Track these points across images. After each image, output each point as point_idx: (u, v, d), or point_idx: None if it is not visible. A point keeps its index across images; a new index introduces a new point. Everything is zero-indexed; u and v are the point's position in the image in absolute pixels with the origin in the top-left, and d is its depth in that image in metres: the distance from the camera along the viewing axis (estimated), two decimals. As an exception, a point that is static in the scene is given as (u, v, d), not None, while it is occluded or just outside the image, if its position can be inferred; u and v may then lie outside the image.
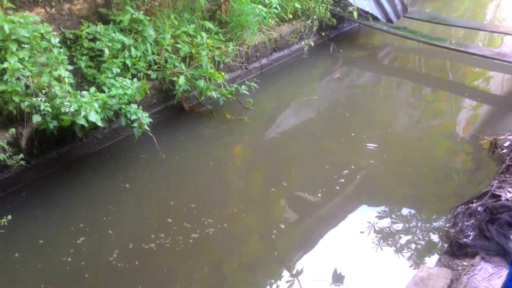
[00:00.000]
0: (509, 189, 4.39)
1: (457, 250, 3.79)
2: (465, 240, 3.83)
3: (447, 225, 4.37)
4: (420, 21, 9.58)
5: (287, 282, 3.81)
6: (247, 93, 6.23)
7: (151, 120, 5.09)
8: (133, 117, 4.89)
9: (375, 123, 6.46)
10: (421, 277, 3.24)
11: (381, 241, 4.27)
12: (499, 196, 4.29)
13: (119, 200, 4.68)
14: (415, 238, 4.33)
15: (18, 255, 3.95)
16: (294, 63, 8.12)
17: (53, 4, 5.27)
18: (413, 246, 4.24)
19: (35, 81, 4.42)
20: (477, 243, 3.76)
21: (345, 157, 5.60)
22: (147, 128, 5.02)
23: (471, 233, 3.90)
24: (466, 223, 4.04)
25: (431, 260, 3.99)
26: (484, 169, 5.36)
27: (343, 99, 7.17)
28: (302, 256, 4.09)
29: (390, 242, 4.26)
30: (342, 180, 5.03)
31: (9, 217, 3.84)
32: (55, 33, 4.81)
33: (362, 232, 4.34)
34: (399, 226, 4.48)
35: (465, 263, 3.62)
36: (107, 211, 4.49)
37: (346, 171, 5.19)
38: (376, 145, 5.72)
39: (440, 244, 4.22)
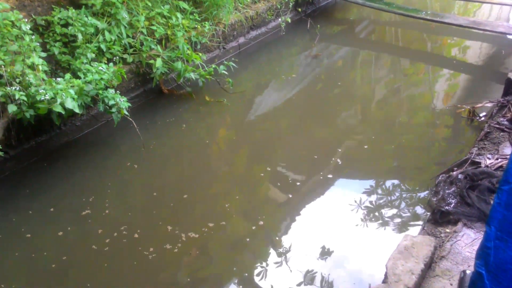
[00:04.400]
0: (489, 155, 4.46)
1: (439, 218, 3.84)
2: (447, 207, 3.89)
3: (430, 194, 4.43)
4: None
5: (274, 260, 3.84)
6: (226, 73, 6.18)
7: (129, 104, 5.03)
8: (111, 102, 4.82)
9: (355, 98, 6.48)
10: (405, 245, 3.29)
11: (366, 214, 4.31)
12: (479, 163, 4.36)
13: (101, 188, 4.62)
14: (399, 209, 4.39)
15: (0, 247, 3.92)
16: (272, 40, 8.07)
17: (21, -10, 5.13)
18: (397, 217, 4.29)
19: (8, 70, 4.32)
20: (459, 210, 3.82)
21: (327, 133, 5.62)
22: (126, 113, 4.96)
23: (453, 201, 3.96)
24: (447, 191, 4.10)
25: (415, 230, 4.06)
26: (464, 138, 5.43)
27: (322, 76, 7.17)
28: (288, 233, 4.11)
29: (375, 215, 4.31)
30: (325, 157, 5.05)
31: (-10, 209, 3.79)
32: (26, 20, 4.68)
33: (347, 207, 4.38)
34: (383, 198, 4.53)
35: (447, 230, 3.69)
36: (88, 200, 4.44)
37: (329, 148, 5.22)
38: (357, 120, 5.74)
39: (423, 213, 4.28)
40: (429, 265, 3.25)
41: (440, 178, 4.37)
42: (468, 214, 3.77)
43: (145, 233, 4.04)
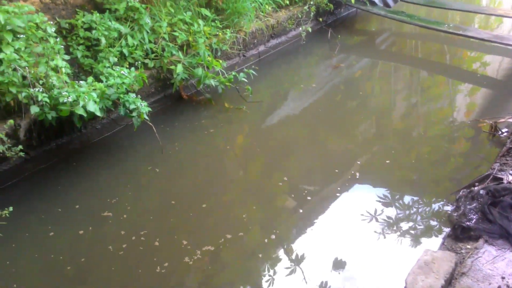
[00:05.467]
0: (511, 171, 4.39)
1: (460, 234, 3.79)
2: (468, 223, 3.83)
3: (449, 209, 4.37)
4: (417, 5, 9.52)
5: (288, 269, 3.80)
6: (246, 80, 6.18)
7: (150, 109, 5.06)
8: (132, 106, 4.85)
9: (374, 109, 6.43)
10: (426, 260, 3.24)
11: (383, 227, 4.25)
12: (501, 179, 4.29)
13: (119, 191, 4.64)
14: (416, 223, 4.32)
15: (15, 246, 3.95)
16: (292, 49, 8.06)
17: (47, -7, 5.21)
18: (414, 230, 4.22)
19: (32, 71, 4.38)
20: (480, 226, 3.76)
21: (345, 143, 5.58)
22: (146, 118, 4.98)
23: (474, 216, 3.91)
24: (468, 207, 4.04)
25: (433, 244, 3.98)
26: (483, 152, 5.35)
27: (342, 86, 7.14)
28: (303, 244, 4.07)
29: (391, 228, 4.25)
30: (343, 168, 5.00)
31: (11, 208, 3.80)
32: (51, 23, 4.74)
33: (363, 219, 4.33)
34: (400, 211, 4.47)
35: (468, 246, 3.63)
36: (107, 203, 4.46)
37: (346, 159, 5.18)
38: (375, 132, 5.70)
39: (438, 227, 4.21)
40: (449, 282, 3.19)
41: (461, 193, 4.31)
42: (489, 230, 3.71)
43: (162, 241, 4.02)
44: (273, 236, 4.11)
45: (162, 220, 4.28)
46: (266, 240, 4.07)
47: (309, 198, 4.59)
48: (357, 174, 4.91)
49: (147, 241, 4.00)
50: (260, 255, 3.95)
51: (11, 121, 4.35)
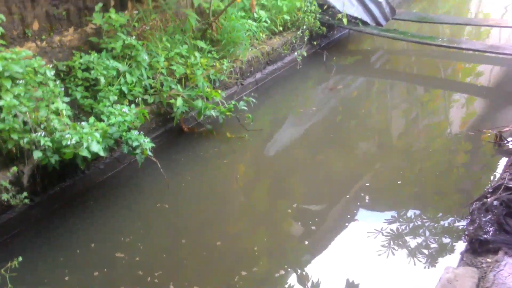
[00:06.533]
0: (522, 180, 4.34)
1: (478, 247, 3.71)
2: (485, 236, 3.76)
3: (460, 223, 4.32)
4: (408, 22, 9.61)
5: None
6: (246, 108, 6.17)
7: (153, 145, 5.02)
8: (135, 143, 4.81)
9: (373, 128, 6.44)
10: (448, 278, 3.16)
11: (398, 247, 4.19)
12: (513, 188, 4.24)
13: (127, 231, 4.56)
14: (432, 240, 4.26)
15: None
16: (289, 74, 8.09)
17: (43, 37, 5.23)
18: (431, 249, 4.17)
19: (33, 116, 4.34)
20: (498, 238, 3.69)
21: (347, 164, 5.56)
22: (150, 154, 4.94)
23: (490, 229, 3.84)
24: (483, 219, 3.98)
25: (452, 261, 3.91)
26: (489, 163, 5.33)
27: (340, 107, 7.16)
28: (314, 269, 4.00)
29: (407, 248, 4.19)
30: (347, 189, 4.98)
31: (20, 258, 3.72)
32: (50, 66, 4.75)
33: (377, 242, 4.26)
34: (409, 229, 4.41)
35: (488, 260, 3.55)
36: (116, 243, 4.38)
37: (350, 179, 5.16)
38: (376, 150, 5.68)
39: (454, 242, 4.16)
40: (474, 298, 3.11)
41: (474, 205, 4.26)
42: (508, 242, 3.64)
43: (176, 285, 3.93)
44: (287, 267, 4.04)
45: (175, 260, 4.18)
46: (281, 272, 3.99)
47: (319, 224, 4.53)
48: (364, 195, 4.86)
49: (161, 283, 3.91)
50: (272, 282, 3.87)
51: (14, 168, 4.30)
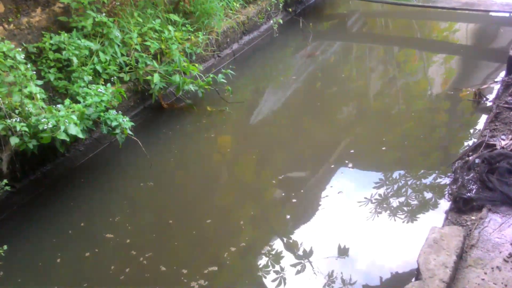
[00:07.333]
0: (502, 136, 4.39)
1: (462, 206, 3.75)
2: (468, 194, 3.80)
3: (443, 181, 4.37)
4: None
5: (294, 264, 3.76)
6: (225, 81, 6.10)
7: (133, 123, 4.94)
8: (114, 123, 4.73)
9: (353, 92, 6.43)
10: (434, 238, 3.20)
11: (383, 210, 4.23)
12: (494, 145, 4.28)
13: (112, 212, 4.52)
14: (415, 201, 4.31)
15: (20, 280, 3.82)
16: (266, 43, 7.99)
17: (10, 20, 5.03)
18: (415, 209, 4.22)
19: (6, 101, 4.22)
20: (481, 195, 3.74)
21: (330, 130, 5.57)
22: (130, 133, 4.87)
23: (473, 187, 3.89)
24: (466, 177, 4.02)
25: (437, 220, 3.96)
26: (467, 121, 5.38)
27: (319, 73, 7.11)
28: (303, 236, 4.03)
29: (392, 210, 4.23)
30: (331, 155, 4.98)
31: (5, 247, 3.67)
32: (19, 49, 4.59)
33: (362, 206, 4.29)
34: (394, 191, 4.46)
35: (473, 218, 3.60)
36: (103, 225, 4.35)
37: (334, 144, 5.16)
38: (357, 113, 5.68)
39: (438, 201, 4.22)
40: (461, 256, 3.16)
41: (456, 164, 4.30)
42: (491, 198, 3.69)
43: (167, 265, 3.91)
44: (276, 237, 4.06)
45: (163, 240, 4.16)
46: (271, 243, 4.01)
47: (305, 192, 4.54)
48: (348, 161, 4.87)
49: (151, 264, 3.90)
50: (263, 251, 3.90)
51: (-9, 156, 4.21)
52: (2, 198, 4.46)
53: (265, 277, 3.70)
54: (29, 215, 4.53)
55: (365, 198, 4.35)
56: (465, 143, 4.90)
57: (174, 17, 6.40)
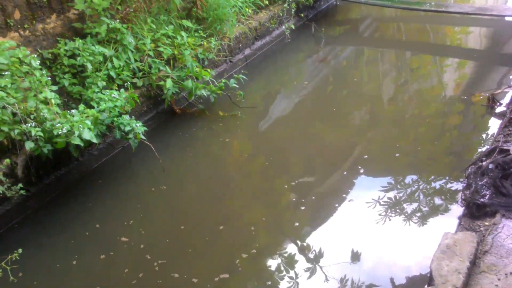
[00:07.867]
0: (516, 142, 4.36)
1: (475, 211, 3.73)
2: (482, 200, 3.78)
3: (457, 187, 4.34)
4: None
5: (306, 269, 3.75)
6: (237, 86, 6.12)
7: (146, 128, 4.98)
8: (127, 128, 4.77)
9: (365, 96, 6.42)
10: (447, 244, 3.18)
11: (396, 215, 4.21)
12: (507, 150, 4.25)
13: (125, 217, 4.55)
14: (428, 206, 4.28)
15: (36, 283, 3.84)
16: (278, 49, 8.02)
17: (26, 26, 5.11)
18: (428, 215, 4.19)
19: (22, 107, 4.29)
20: (495, 201, 3.71)
21: (343, 135, 5.56)
22: (143, 137, 4.91)
23: (487, 192, 3.86)
24: (479, 183, 4.00)
25: (450, 226, 3.94)
26: (480, 126, 5.35)
27: (331, 78, 7.11)
28: (316, 240, 4.03)
29: (405, 215, 4.21)
30: (343, 160, 4.98)
31: (20, 250, 3.71)
32: (35, 55, 4.66)
33: (375, 211, 4.28)
34: (407, 196, 4.43)
35: (486, 223, 3.58)
36: (117, 228, 4.38)
37: (347, 149, 5.15)
38: (370, 118, 5.67)
39: (451, 207, 4.19)
40: (474, 262, 3.14)
41: (470, 169, 4.27)
42: (505, 204, 3.66)
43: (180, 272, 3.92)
44: (289, 241, 4.06)
45: (175, 245, 4.17)
46: (283, 247, 4.02)
47: (317, 197, 4.54)
48: (360, 166, 4.86)
49: (163, 270, 3.91)
50: (275, 256, 3.90)
51: (7, 160, 4.26)
52: (17, 202, 4.52)
53: (277, 285, 3.69)
54: (44, 219, 4.57)
55: (378, 203, 4.33)
56: (479, 149, 4.87)
57: (186, 23, 6.45)
